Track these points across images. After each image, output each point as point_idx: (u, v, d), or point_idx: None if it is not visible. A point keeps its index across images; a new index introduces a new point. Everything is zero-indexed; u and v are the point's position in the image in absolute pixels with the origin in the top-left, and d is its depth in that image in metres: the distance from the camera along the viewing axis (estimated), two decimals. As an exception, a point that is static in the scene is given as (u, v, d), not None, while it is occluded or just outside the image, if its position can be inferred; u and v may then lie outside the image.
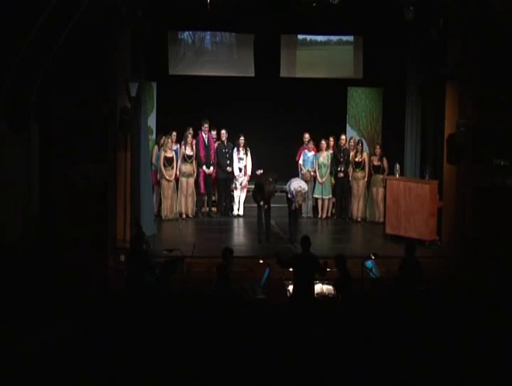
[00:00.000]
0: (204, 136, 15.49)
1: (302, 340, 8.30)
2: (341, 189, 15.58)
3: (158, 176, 15.11)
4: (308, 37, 17.14)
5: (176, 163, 15.12)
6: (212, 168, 15.48)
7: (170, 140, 15.06)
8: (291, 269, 10.15)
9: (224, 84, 16.63)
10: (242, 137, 15.59)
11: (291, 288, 10.19)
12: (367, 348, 8.02)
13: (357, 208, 15.45)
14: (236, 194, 15.67)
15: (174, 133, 15.29)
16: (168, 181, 15.03)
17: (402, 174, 14.28)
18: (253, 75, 16.74)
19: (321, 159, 15.59)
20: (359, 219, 15.45)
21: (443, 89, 13.37)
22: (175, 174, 15.18)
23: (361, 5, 14.30)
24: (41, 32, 10.43)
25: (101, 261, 12.37)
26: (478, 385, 7.46)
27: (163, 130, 15.78)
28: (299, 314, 9.38)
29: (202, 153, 15.37)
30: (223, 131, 15.54)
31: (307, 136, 15.86)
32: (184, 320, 8.71)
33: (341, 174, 15.43)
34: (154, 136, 16.01)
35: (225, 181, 15.52)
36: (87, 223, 12.32)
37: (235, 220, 15.31)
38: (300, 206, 13.92)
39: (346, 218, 15.61)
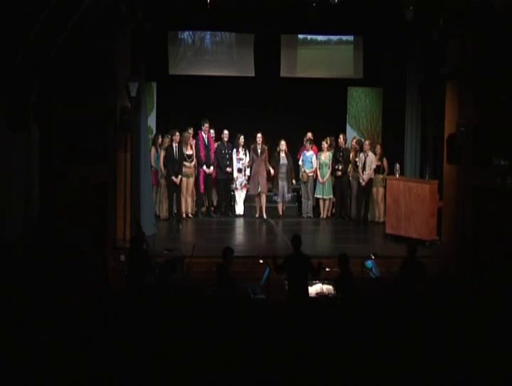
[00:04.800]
0: (204, 136, 15.48)
1: (301, 340, 8.30)
2: (341, 188, 15.57)
3: (159, 176, 15.11)
4: (309, 36, 17.16)
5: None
6: (212, 168, 15.46)
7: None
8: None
9: (224, 84, 16.64)
10: (242, 137, 15.58)
11: (287, 286, 10.19)
12: (367, 348, 8.02)
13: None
14: (237, 194, 15.66)
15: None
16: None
17: (402, 174, 14.28)
18: (253, 75, 16.75)
19: (323, 159, 15.59)
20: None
21: (443, 89, 13.37)
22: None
23: (361, 5, 14.32)
24: (41, 32, 10.43)
25: (101, 261, 12.37)
26: (478, 385, 7.46)
27: (161, 131, 15.78)
28: (293, 314, 9.38)
29: (202, 153, 15.35)
30: (225, 132, 15.51)
31: (309, 135, 15.84)
32: (184, 320, 8.71)
33: (339, 173, 15.42)
34: (153, 136, 16.00)
35: (224, 181, 15.50)
36: (87, 223, 12.32)
37: (235, 220, 15.31)
38: None
39: (346, 217, 15.61)
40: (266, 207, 15.35)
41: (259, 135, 15.12)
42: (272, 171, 15.29)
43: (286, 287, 10.18)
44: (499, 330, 8.67)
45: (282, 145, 15.32)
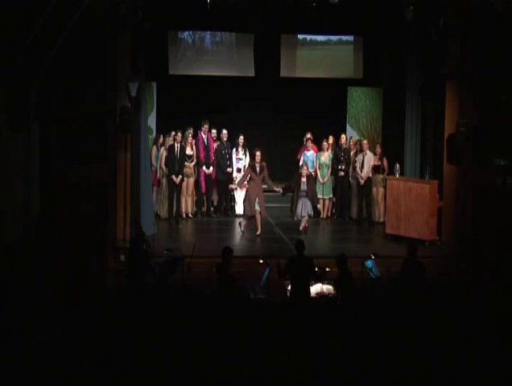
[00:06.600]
0: (204, 136, 15.47)
1: (301, 340, 8.30)
2: (341, 188, 15.58)
3: (159, 176, 15.11)
4: (308, 37, 17.18)
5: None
6: (211, 168, 15.46)
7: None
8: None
9: (224, 84, 16.65)
10: (242, 137, 15.56)
11: (290, 288, 10.20)
12: (367, 348, 8.02)
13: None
14: (236, 194, 15.65)
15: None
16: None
17: (402, 174, 14.27)
18: (253, 75, 16.76)
19: (323, 159, 15.58)
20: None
21: (443, 89, 13.37)
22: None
23: (361, 5, 14.32)
24: (41, 32, 10.44)
25: (101, 261, 12.37)
26: (478, 385, 7.46)
27: (161, 131, 15.79)
28: (295, 315, 9.38)
29: (202, 154, 15.35)
30: (224, 131, 15.49)
31: (308, 135, 15.81)
32: (184, 320, 8.72)
33: (342, 173, 15.43)
34: (153, 136, 16.02)
35: (224, 181, 15.49)
36: (87, 223, 12.33)
37: (235, 220, 15.29)
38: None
39: (346, 217, 15.62)
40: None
41: (258, 153, 13.98)
42: (279, 189, 14.17)
43: (289, 288, 10.19)
44: (499, 331, 8.67)
45: (304, 170, 14.15)
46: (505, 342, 8.33)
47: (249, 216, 14.07)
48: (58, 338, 8.22)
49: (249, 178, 14.09)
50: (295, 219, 14.16)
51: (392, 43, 15.90)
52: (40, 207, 11.86)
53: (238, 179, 14.89)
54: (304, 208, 13.98)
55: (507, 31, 11.89)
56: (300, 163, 15.61)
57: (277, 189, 14.21)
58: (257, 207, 13.96)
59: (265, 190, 14.60)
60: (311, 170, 15.29)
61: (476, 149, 12.94)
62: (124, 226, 13.06)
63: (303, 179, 14.09)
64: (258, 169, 14.01)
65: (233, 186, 15.20)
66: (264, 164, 14.14)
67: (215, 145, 15.54)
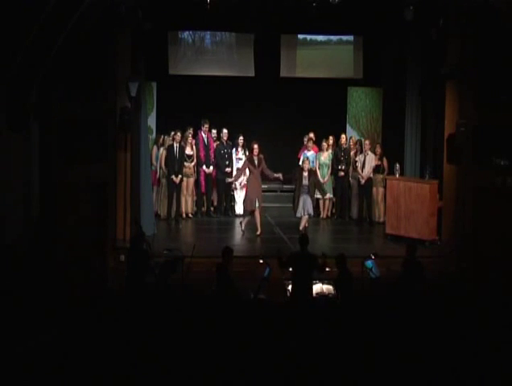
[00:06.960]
0: (204, 136, 15.48)
1: (302, 339, 8.30)
2: (341, 188, 15.58)
3: (159, 175, 15.10)
4: (308, 37, 17.19)
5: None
6: (211, 167, 15.46)
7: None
8: (290, 269, 10.15)
9: (224, 84, 16.65)
10: (242, 137, 15.56)
11: (290, 287, 10.20)
12: (367, 348, 8.02)
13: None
14: (236, 194, 15.65)
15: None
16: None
17: (402, 173, 14.28)
18: (253, 75, 16.77)
19: (322, 159, 15.58)
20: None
21: (443, 89, 13.38)
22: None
23: (361, 5, 14.31)
24: (41, 32, 10.44)
25: (101, 261, 12.38)
26: (478, 385, 7.46)
27: (161, 131, 15.79)
28: (297, 313, 9.38)
29: (202, 153, 15.36)
30: (224, 131, 15.50)
31: (311, 135, 15.80)
32: (184, 320, 8.72)
33: (342, 173, 15.43)
34: (153, 136, 16.03)
35: (224, 181, 15.49)
36: (87, 222, 12.33)
37: (235, 220, 15.29)
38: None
39: (346, 217, 15.62)
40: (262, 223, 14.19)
41: (256, 146, 13.88)
42: (279, 176, 14.02)
43: (288, 287, 10.18)
44: (499, 330, 8.67)
45: (306, 164, 14.05)
46: (505, 341, 8.33)
47: (248, 211, 14.05)
48: (58, 338, 8.22)
49: (249, 171, 14.10)
50: (298, 215, 14.07)
51: (392, 42, 15.90)
52: (40, 207, 11.87)
53: (235, 173, 14.86)
54: (304, 207, 13.94)
55: (507, 31, 11.89)
56: (300, 163, 15.62)
57: (277, 175, 14.08)
58: (256, 204, 13.91)
59: (264, 191, 14.64)
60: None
61: (476, 149, 12.93)
62: (124, 226, 13.05)
63: (305, 174, 14.02)
64: (255, 162, 13.98)
65: (230, 180, 15.01)
66: (261, 156, 14.09)
67: (215, 145, 15.55)
